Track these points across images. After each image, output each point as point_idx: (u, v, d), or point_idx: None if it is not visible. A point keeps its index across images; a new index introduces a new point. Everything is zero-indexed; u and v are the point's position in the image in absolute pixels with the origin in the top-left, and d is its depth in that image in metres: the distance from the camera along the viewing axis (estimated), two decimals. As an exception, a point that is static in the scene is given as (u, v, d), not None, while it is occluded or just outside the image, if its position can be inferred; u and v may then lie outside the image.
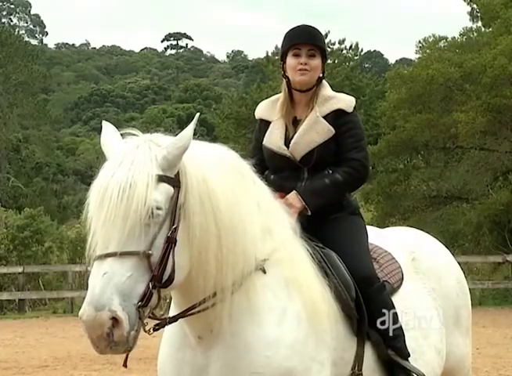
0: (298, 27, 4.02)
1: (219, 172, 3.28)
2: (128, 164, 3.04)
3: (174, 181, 3.11)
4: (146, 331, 3.09)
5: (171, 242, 3.07)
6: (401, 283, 4.04)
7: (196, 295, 3.26)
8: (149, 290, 2.98)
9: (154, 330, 3.20)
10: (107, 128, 3.30)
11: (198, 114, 3.31)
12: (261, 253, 3.41)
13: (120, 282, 2.91)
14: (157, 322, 3.23)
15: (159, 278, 3.02)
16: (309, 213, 3.77)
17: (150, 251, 3.00)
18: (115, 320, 2.88)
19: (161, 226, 3.05)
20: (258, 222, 3.42)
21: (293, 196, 3.78)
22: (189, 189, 3.14)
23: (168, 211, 3.07)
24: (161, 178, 3.06)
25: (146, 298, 2.98)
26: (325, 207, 3.82)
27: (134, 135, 3.22)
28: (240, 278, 3.31)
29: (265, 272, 3.41)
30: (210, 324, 3.31)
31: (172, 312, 3.38)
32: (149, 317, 3.12)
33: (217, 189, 3.22)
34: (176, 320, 3.30)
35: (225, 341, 3.31)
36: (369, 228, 4.11)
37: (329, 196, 3.82)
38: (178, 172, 3.13)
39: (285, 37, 4.00)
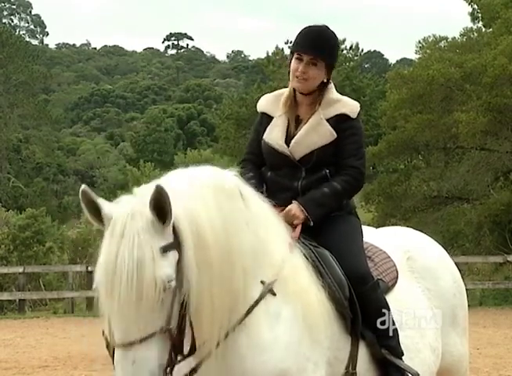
0: (311, 28, 3.93)
1: (205, 206, 3.18)
2: (130, 240, 2.91)
3: (175, 244, 3.02)
4: None
5: (185, 306, 3.05)
6: (395, 282, 4.04)
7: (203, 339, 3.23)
8: (172, 360, 2.99)
9: None
10: (89, 191, 3.04)
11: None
12: (260, 275, 3.40)
13: (149, 365, 2.90)
14: None
15: (181, 350, 3.04)
16: (312, 224, 3.77)
17: (170, 325, 2.97)
18: None
19: (174, 296, 3.00)
20: (248, 244, 3.37)
21: (295, 207, 3.76)
22: (185, 246, 3.06)
23: (178, 277, 3.01)
24: (165, 249, 2.97)
25: (170, 368, 2.99)
26: (325, 216, 3.82)
27: (123, 199, 3.08)
28: (236, 311, 3.29)
29: (274, 294, 3.40)
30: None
31: None
32: None
33: (206, 226, 3.14)
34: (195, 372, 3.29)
35: (219, 351, 3.28)
36: (364, 228, 4.11)
37: (329, 205, 3.82)
38: (175, 231, 3.03)
39: (297, 36, 3.93)
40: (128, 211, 2.98)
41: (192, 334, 3.09)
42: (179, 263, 3.01)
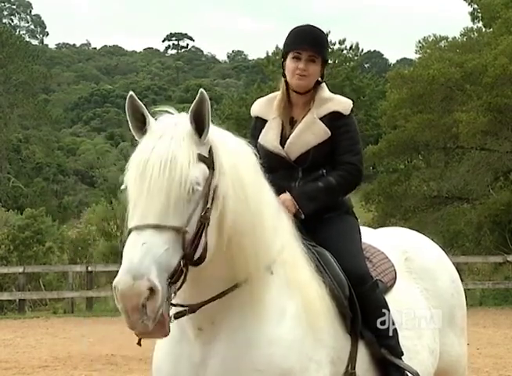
0: (303, 28, 3.99)
1: (246, 163, 3.33)
2: (168, 139, 3.05)
3: (209, 162, 3.14)
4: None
5: (205, 221, 3.08)
6: (394, 282, 4.03)
7: (233, 278, 3.27)
8: (180, 267, 2.96)
9: (175, 318, 3.19)
10: (136, 99, 3.17)
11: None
12: (273, 251, 3.43)
13: (158, 254, 2.88)
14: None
15: (191, 256, 3.02)
16: (303, 217, 3.77)
17: (187, 228, 3.00)
18: (151, 291, 2.83)
19: (197, 204, 3.05)
20: (271, 219, 3.45)
21: (287, 199, 3.77)
22: (221, 173, 3.17)
23: (203, 191, 3.09)
24: (200, 158, 3.09)
25: (176, 275, 2.95)
26: (319, 211, 3.82)
27: (168, 112, 3.23)
28: (259, 269, 3.33)
29: (272, 273, 3.42)
30: (213, 316, 3.30)
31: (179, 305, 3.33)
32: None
33: (246, 178, 3.27)
34: (198, 309, 3.27)
35: (226, 335, 3.30)
36: (362, 228, 4.11)
37: (323, 199, 3.82)
38: (211, 154, 3.16)
39: (288, 37, 3.97)
40: (169, 121, 3.16)
41: (205, 247, 3.09)
42: (207, 181, 3.10)
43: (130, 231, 2.96)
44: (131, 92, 3.15)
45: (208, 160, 3.14)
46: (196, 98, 3.10)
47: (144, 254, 2.86)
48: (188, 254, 3.00)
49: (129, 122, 3.17)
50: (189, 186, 3.00)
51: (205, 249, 3.09)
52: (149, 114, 3.17)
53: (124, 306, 2.85)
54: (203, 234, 3.07)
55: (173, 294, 2.99)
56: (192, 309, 3.26)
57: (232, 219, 3.17)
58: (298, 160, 3.87)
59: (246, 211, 3.22)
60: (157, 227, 2.93)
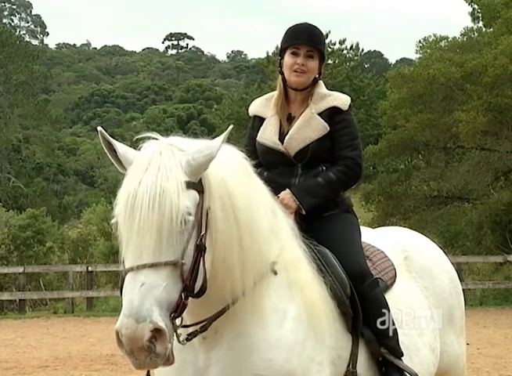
0: (300, 25, 4.00)
1: (234, 173, 3.27)
2: (155, 171, 2.97)
3: (199, 186, 3.07)
4: (180, 342, 3.07)
5: (201, 250, 3.03)
6: (394, 281, 4.04)
7: (222, 300, 3.25)
8: (182, 300, 2.94)
9: (187, 340, 3.18)
10: (108, 137, 3.13)
11: (231, 127, 3.23)
12: (271, 254, 3.41)
13: (157, 293, 2.86)
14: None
15: (191, 288, 3.00)
16: (304, 212, 3.77)
17: (183, 260, 2.95)
18: (156, 332, 2.82)
19: (191, 234, 3.00)
20: (266, 222, 3.42)
21: (287, 196, 3.76)
22: (212, 194, 3.11)
23: (196, 218, 3.03)
24: (189, 185, 3.01)
25: (179, 309, 2.93)
26: (319, 206, 3.82)
27: (153, 138, 3.14)
28: (258, 278, 3.31)
29: (276, 273, 3.41)
30: (217, 326, 3.30)
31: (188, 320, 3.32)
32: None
33: (235, 189, 3.21)
34: (207, 328, 3.26)
35: (227, 342, 3.30)
36: (361, 228, 4.10)
37: (323, 195, 3.81)
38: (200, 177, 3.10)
39: (286, 34, 3.98)
40: (154, 150, 3.05)
41: (204, 276, 3.07)
42: (198, 206, 3.05)
43: (126, 272, 2.93)
44: (99, 128, 3.11)
45: (198, 185, 3.07)
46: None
47: (143, 296, 2.84)
48: (188, 287, 2.97)
49: (109, 157, 3.12)
50: (181, 219, 2.94)
51: (205, 280, 3.07)
52: (119, 149, 3.08)
53: (130, 349, 2.84)
54: (201, 263, 3.04)
55: (178, 323, 2.97)
56: (204, 327, 3.25)
57: (221, 239, 3.14)
58: (297, 155, 3.86)
59: (234, 228, 3.18)
60: (153, 266, 2.89)
